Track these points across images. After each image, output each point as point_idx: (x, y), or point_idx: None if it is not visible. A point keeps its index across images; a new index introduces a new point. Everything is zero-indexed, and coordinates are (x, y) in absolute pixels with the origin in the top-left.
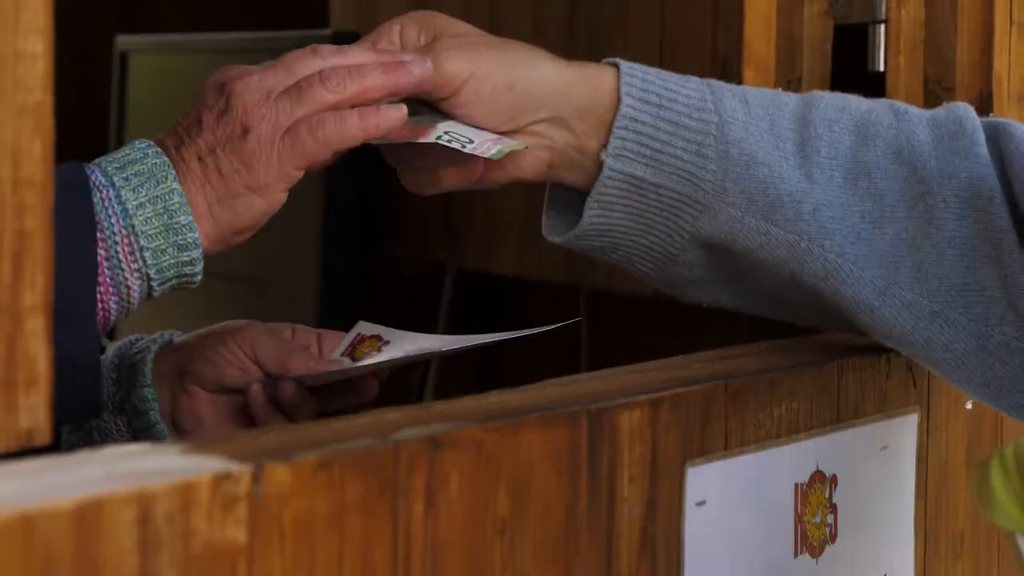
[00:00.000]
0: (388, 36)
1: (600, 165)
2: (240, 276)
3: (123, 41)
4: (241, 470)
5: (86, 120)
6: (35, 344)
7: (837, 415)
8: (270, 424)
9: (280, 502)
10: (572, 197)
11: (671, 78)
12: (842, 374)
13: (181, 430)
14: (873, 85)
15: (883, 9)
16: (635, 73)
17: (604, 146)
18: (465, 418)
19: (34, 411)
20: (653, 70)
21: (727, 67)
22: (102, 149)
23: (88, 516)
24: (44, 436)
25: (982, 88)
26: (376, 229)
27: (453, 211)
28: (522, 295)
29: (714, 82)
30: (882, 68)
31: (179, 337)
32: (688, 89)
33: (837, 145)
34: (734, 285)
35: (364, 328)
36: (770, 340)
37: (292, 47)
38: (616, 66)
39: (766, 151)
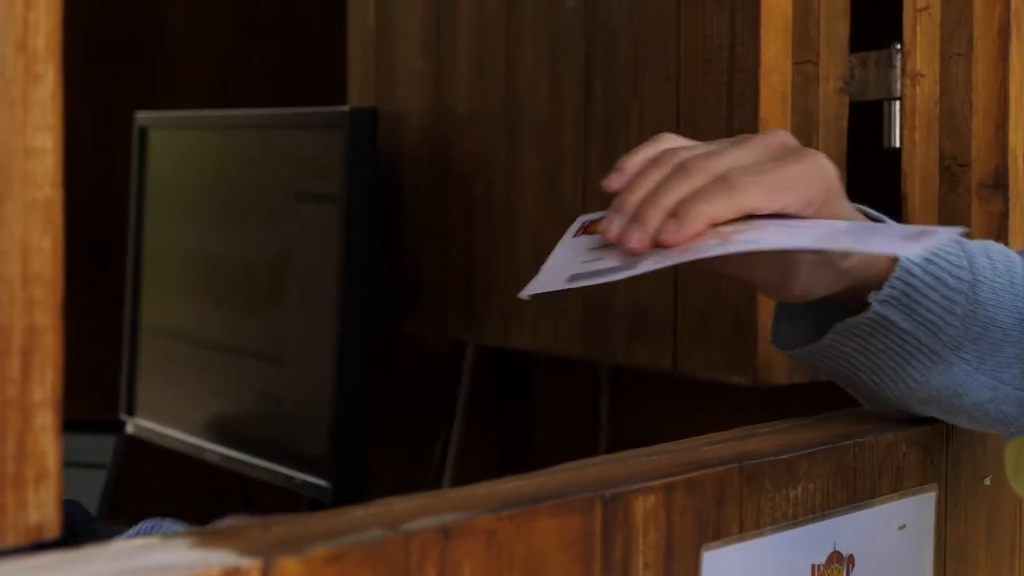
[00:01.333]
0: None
1: (861, 303)
2: (255, 352)
3: (143, 117)
4: (251, 564)
5: (105, 195)
6: (45, 440)
7: (854, 494)
8: None
9: None
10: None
11: None
12: (858, 453)
13: None
14: (889, 161)
15: (898, 86)
16: None
17: (875, 289)
18: (477, 507)
19: (43, 506)
20: None
21: None
22: (122, 223)
23: None
24: (54, 530)
25: (998, 164)
26: (393, 306)
27: (471, 287)
28: (544, 370)
29: (955, 230)
30: (898, 144)
31: None
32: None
33: None
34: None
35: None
36: (786, 419)
37: (309, 124)
38: None
39: (1006, 312)
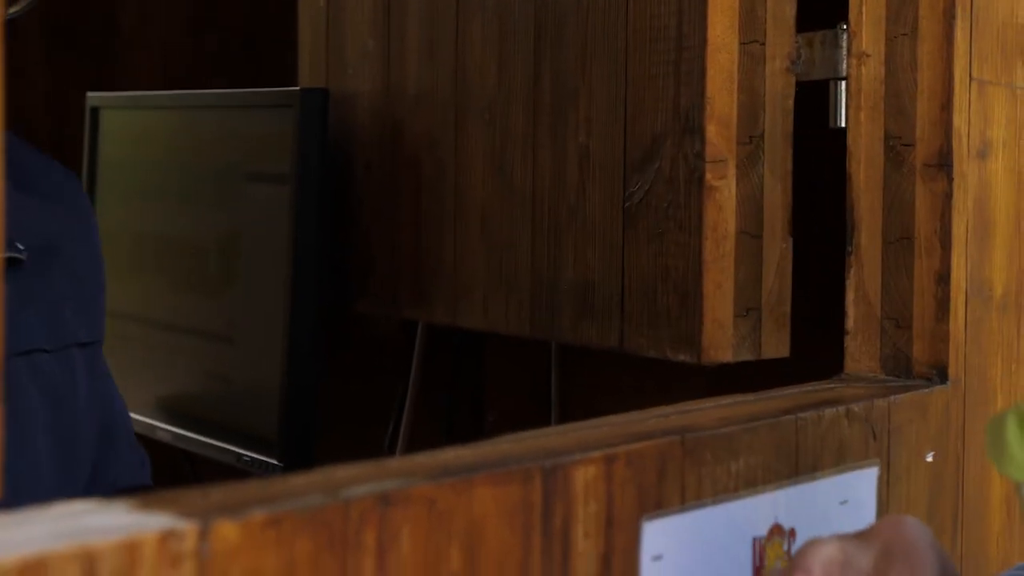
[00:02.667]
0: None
1: None
2: (206, 332)
3: (94, 97)
4: (188, 527)
5: None
6: None
7: (796, 469)
8: None
9: (228, 559)
10: None
11: None
12: (800, 428)
13: None
14: (834, 141)
15: (844, 66)
16: None
17: None
18: (417, 474)
19: None
20: None
21: (689, 122)
22: None
23: (32, 573)
24: None
25: (942, 144)
26: (345, 286)
27: (421, 267)
28: (494, 349)
29: None
30: (843, 124)
31: None
32: None
33: None
34: None
35: None
36: (729, 394)
37: (260, 103)
38: None
39: None
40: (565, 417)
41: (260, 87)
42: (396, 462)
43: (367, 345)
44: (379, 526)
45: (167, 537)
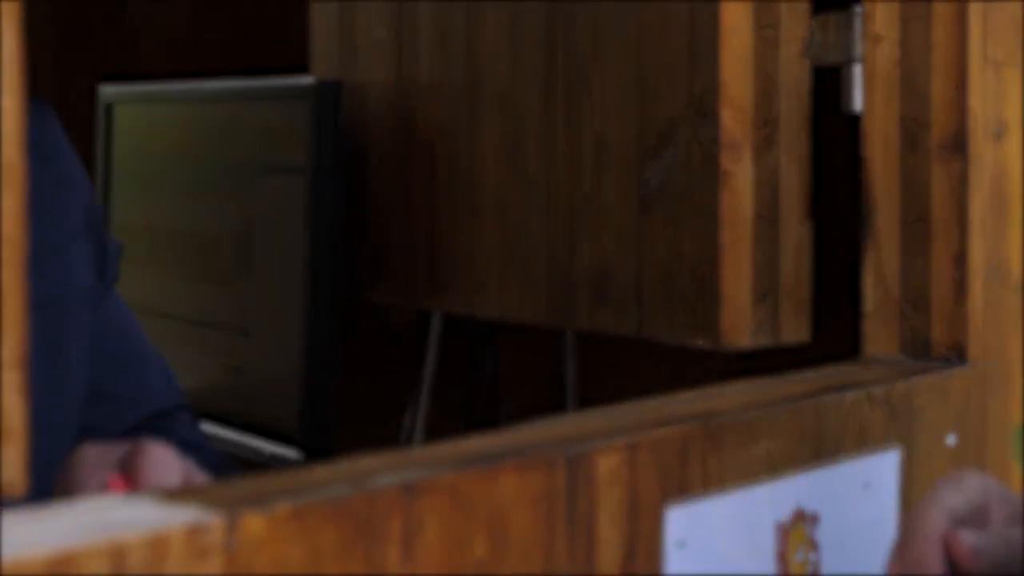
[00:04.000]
0: None
1: None
2: (222, 325)
3: (107, 92)
4: (215, 520)
5: None
6: (10, 400)
7: (818, 453)
8: None
9: (255, 551)
10: None
11: None
12: (822, 412)
13: None
14: (849, 124)
15: (858, 49)
16: None
17: None
18: (441, 463)
19: (9, 465)
20: None
21: (704, 106)
22: None
23: (61, 568)
24: (19, 489)
25: (958, 125)
26: (358, 277)
27: (436, 257)
28: (510, 338)
29: None
30: (859, 108)
31: None
32: None
33: None
34: None
35: None
36: (749, 378)
37: (275, 96)
38: None
39: None
40: (583, 405)
41: (269, 72)
42: (419, 451)
43: (380, 336)
44: (404, 516)
45: (194, 531)
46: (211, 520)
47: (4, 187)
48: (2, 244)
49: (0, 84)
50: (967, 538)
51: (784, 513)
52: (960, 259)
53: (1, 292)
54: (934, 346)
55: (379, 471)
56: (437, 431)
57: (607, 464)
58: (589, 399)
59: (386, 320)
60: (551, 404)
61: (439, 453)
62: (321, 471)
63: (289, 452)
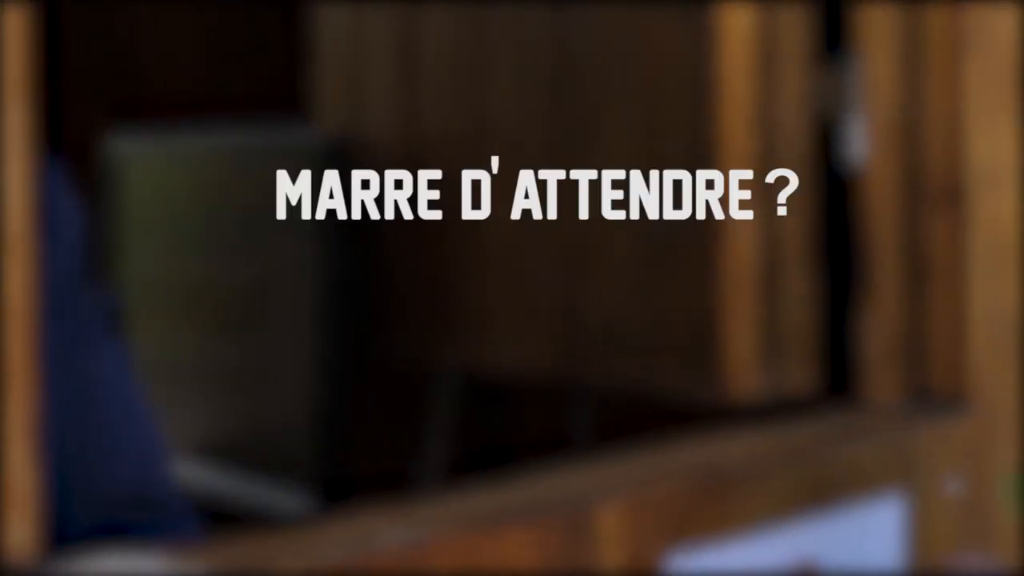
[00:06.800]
0: None
1: None
2: (233, 371)
3: (116, 145)
4: None
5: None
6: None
7: (820, 501)
8: None
9: None
10: None
11: None
12: (823, 459)
13: None
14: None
15: (856, 97)
16: None
17: None
18: (447, 519)
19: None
20: None
21: (706, 160)
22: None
23: None
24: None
25: (956, 174)
26: (367, 329)
27: (444, 310)
28: (517, 388)
29: None
30: (857, 156)
31: None
32: None
33: None
34: None
35: None
36: (752, 427)
37: (283, 153)
38: None
39: None
40: (588, 456)
41: (275, 117)
42: (425, 507)
43: (390, 385)
44: (411, 573)
45: None
46: None
47: (11, 259)
48: (15, 317)
49: (5, 156)
50: None
51: (787, 562)
52: (959, 306)
53: (10, 369)
54: (935, 393)
55: (385, 527)
56: (443, 481)
57: (610, 516)
58: (595, 448)
59: (397, 372)
60: (557, 453)
61: (445, 509)
62: (326, 527)
63: (302, 500)
